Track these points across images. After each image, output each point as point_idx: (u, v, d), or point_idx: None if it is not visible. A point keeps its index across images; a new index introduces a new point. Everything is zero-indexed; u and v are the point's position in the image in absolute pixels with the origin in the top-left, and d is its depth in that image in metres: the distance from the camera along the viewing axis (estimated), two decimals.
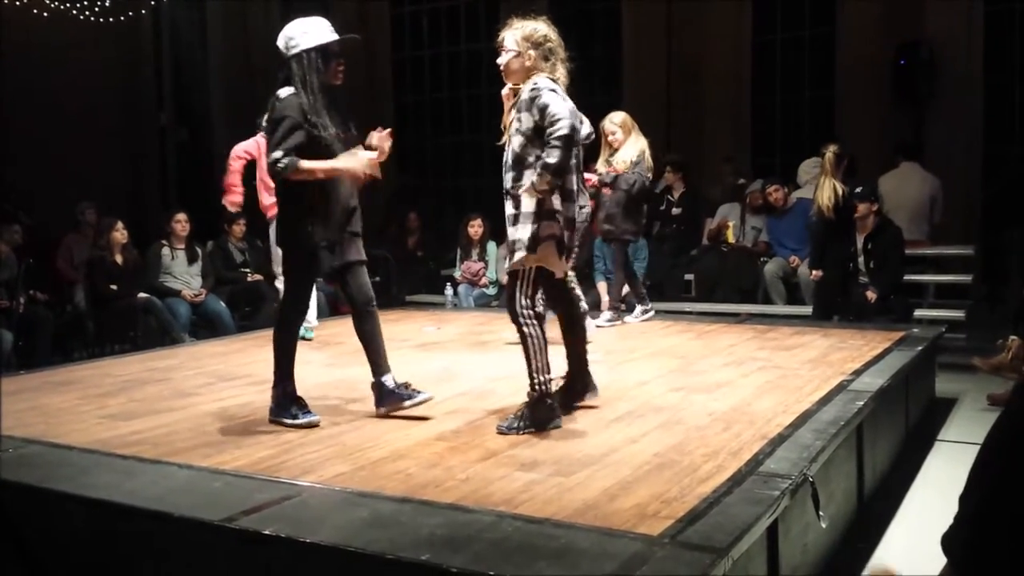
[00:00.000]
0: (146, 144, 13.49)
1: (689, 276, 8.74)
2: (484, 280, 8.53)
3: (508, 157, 3.68)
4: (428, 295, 9.39)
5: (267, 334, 6.36)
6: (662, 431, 3.58)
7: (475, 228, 8.58)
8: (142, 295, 7.41)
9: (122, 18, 11.81)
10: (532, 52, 3.66)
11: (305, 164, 3.67)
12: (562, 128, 3.47)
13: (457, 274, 8.70)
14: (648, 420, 3.76)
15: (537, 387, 3.65)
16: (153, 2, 12.48)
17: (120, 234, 7.55)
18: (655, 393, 4.29)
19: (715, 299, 8.34)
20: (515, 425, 3.60)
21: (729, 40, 10.40)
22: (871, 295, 6.80)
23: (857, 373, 4.56)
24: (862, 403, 3.86)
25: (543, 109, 3.52)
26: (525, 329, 3.66)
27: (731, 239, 8.46)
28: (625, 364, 5.06)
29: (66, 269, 8.33)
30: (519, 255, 3.59)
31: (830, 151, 6.67)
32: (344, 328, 6.50)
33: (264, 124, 3.89)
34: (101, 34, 11.89)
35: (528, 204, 3.58)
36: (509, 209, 3.64)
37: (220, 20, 13.54)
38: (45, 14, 11.29)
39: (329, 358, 5.51)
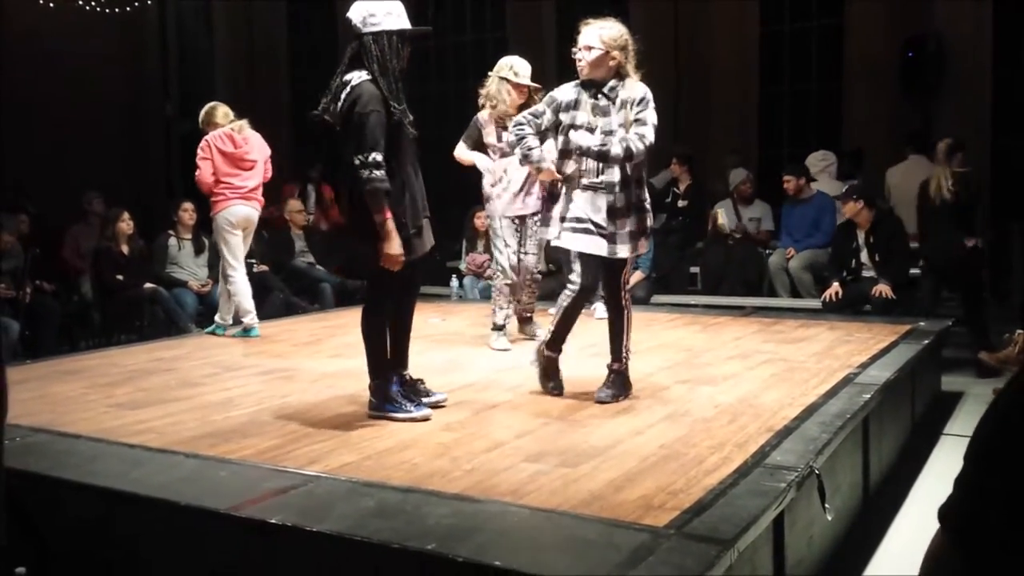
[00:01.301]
0: (151, 134, 13.51)
1: (695, 269, 8.73)
2: (489, 272, 8.52)
3: None
4: (433, 287, 9.38)
5: (273, 324, 6.41)
6: (668, 423, 3.58)
7: (481, 220, 8.56)
8: (148, 285, 7.41)
9: (127, 8, 11.80)
10: (617, 53, 3.92)
11: (384, 200, 3.51)
12: (637, 150, 3.80)
13: (462, 266, 8.70)
14: (654, 412, 3.76)
15: (627, 357, 4.05)
16: None
17: (126, 224, 7.56)
18: (661, 385, 4.29)
19: (721, 292, 8.32)
20: (618, 393, 3.95)
21: (736, 32, 10.36)
22: (884, 289, 6.67)
23: (863, 366, 4.55)
24: (868, 396, 3.86)
25: (640, 119, 3.86)
26: (628, 307, 4.06)
27: (721, 221, 8.44)
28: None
29: (73, 259, 8.34)
30: (647, 242, 4.06)
31: (943, 143, 6.85)
32: (350, 319, 6.50)
33: (330, 109, 3.62)
34: (106, 24, 11.90)
35: (642, 195, 3.95)
36: (618, 201, 3.89)
37: (225, 9, 13.54)
38: (51, 4, 11.29)
39: (335, 348, 5.51)
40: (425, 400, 3.85)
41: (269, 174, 6.32)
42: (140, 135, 13.29)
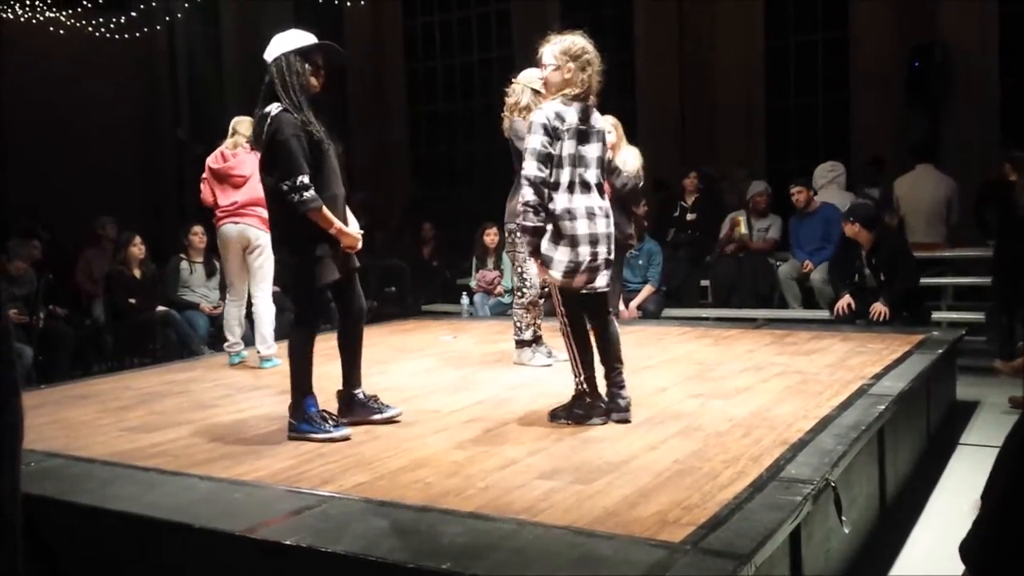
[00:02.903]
0: (163, 158, 13.61)
1: (705, 282, 8.71)
2: (499, 289, 8.53)
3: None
4: (444, 304, 9.40)
5: (284, 344, 6.40)
6: (681, 438, 3.56)
7: (491, 237, 8.59)
8: (161, 308, 7.45)
9: (137, 34, 11.94)
10: (571, 65, 3.77)
11: (325, 211, 3.73)
12: (524, 209, 3.70)
13: (472, 283, 8.71)
14: (667, 427, 3.75)
15: (578, 379, 3.88)
16: (168, 18, 12.61)
17: (138, 249, 7.62)
18: (674, 400, 4.27)
19: (732, 304, 8.30)
20: (565, 415, 3.84)
21: (742, 45, 10.39)
22: (882, 311, 6.56)
23: (877, 377, 4.53)
24: (883, 407, 3.83)
25: (522, 151, 3.76)
26: (564, 328, 3.90)
27: (743, 230, 8.42)
28: (643, 371, 5.04)
29: (85, 283, 8.39)
30: (545, 269, 3.79)
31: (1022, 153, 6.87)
32: None
33: (252, 139, 3.94)
34: (116, 49, 12.01)
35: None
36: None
37: (233, 34, 13.66)
38: (61, 32, 11.42)
39: (339, 369, 5.50)
40: (378, 416, 3.95)
41: None
42: (152, 159, 13.39)
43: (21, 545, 1.71)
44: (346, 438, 3.72)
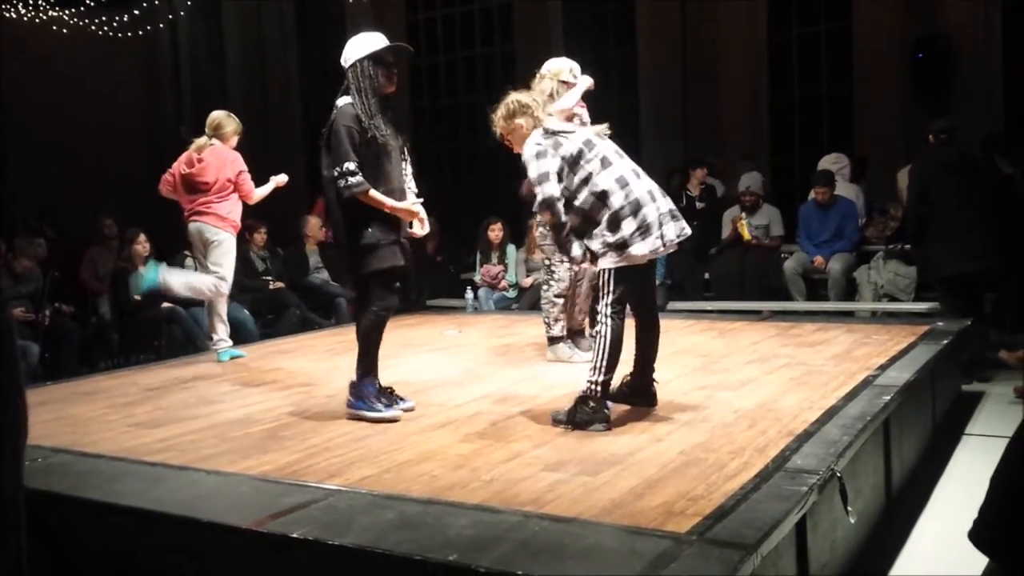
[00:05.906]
0: (167, 156, 13.58)
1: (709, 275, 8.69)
2: (504, 283, 8.53)
3: None
4: (448, 299, 9.40)
5: (290, 341, 6.43)
6: (687, 429, 3.57)
7: (495, 232, 8.60)
8: (166, 305, 7.46)
9: (140, 32, 11.95)
10: (520, 121, 3.88)
11: (373, 193, 3.87)
12: (539, 197, 3.72)
13: (477, 278, 8.71)
14: (673, 418, 3.75)
15: (592, 382, 3.72)
16: (170, 16, 12.61)
17: (142, 246, 7.63)
18: (679, 391, 4.27)
19: (740, 297, 8.26)
20: (565, 419, 3.70)
21: (744, 37, 10.35)
22: None
23: (882, 368, 4.53)
24: (888, 398, 3.83)
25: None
26: (603, 324, 3.77)
27: (746, 235, 8.38)
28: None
29: (90, 281, 8.41)
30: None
31: None
32: None
33: (323, 133, 4.04)
34: (120, 49, 12.03)
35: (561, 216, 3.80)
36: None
37: (236, 32, 13.65)
38: (64, 31, 11.44)
39: (352, 363, 5.50)
40: (372, 415, 4.00)
41: (242, 193, 5.96)
42: (156, 157, 13.36)
43: (25, 544, 1.71)
44: (396, 419, 3.90)
